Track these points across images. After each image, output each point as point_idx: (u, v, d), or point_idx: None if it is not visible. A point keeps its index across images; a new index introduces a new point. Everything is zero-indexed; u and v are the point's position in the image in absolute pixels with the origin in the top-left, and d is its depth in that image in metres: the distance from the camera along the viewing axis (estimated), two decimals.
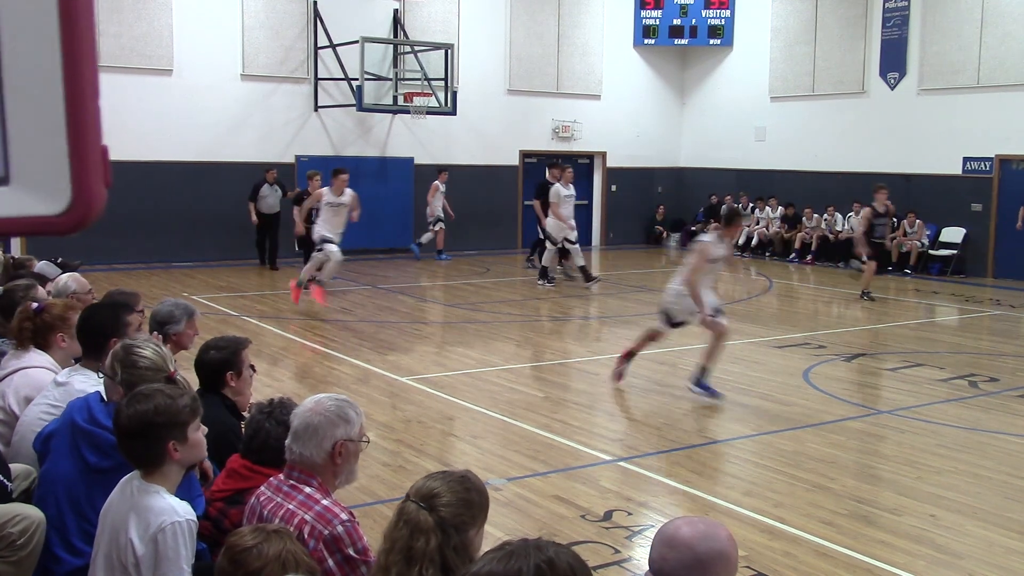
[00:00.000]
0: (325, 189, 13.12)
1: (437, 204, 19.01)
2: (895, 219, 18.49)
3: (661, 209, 23.20)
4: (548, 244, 15.58)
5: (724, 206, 18.43)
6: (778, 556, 5.22)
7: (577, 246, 15.56)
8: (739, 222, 8.97)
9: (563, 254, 16.41)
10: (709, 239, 8.71)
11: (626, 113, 22.56)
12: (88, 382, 4.29)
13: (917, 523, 5.79)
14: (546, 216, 15.85)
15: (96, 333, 4.44)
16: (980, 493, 6.35)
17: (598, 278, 15.45)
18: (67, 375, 4.41)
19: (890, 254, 16.47)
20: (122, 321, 4.49)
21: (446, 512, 2.70)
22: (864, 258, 14.82)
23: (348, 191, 12.97)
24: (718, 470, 6.81)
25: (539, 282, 15.63)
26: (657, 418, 8.12)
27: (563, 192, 15.21)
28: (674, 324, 8.85)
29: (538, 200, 16.52)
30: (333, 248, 12.80)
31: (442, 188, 19.04)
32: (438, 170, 19.31)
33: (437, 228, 19.18)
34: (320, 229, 12.96)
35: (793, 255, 20.07)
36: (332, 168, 13.71)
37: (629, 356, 9.09)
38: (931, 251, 18.20)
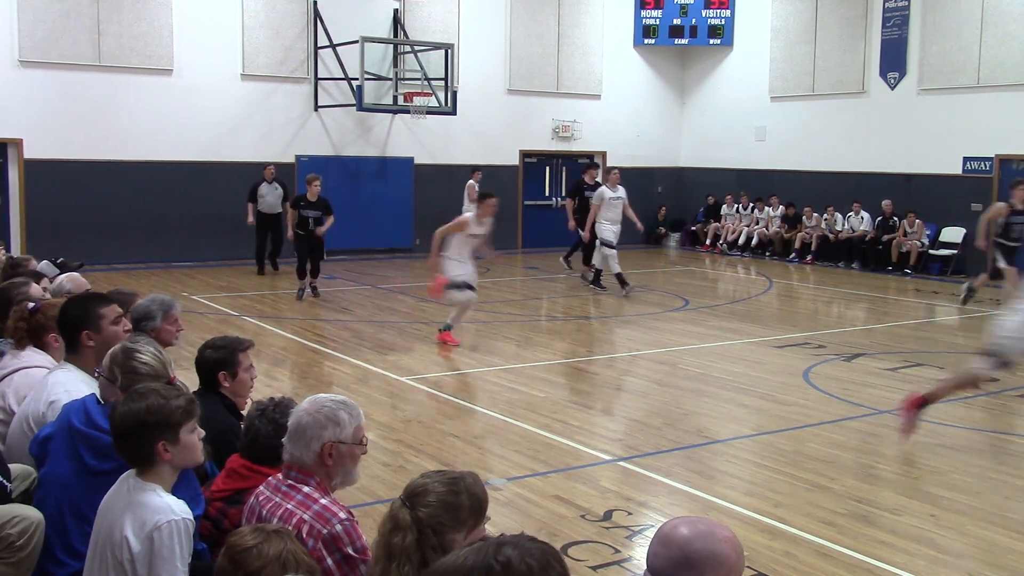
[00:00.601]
0: (470, 217, 11.00)
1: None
2: (895, 218, 18.52)
3: (662, 209, 23.19)
4: (604, 249, 14.91)
5: None
6: (778, 556, 5.22)
7: (614, 251, 15.02)
8: None
9: (576, 249, 16.37)
10: None
11: (626, 113, 22.56)
12: (67, 376, 4.30)
13: (917, 523, 5.78)
14: (575, 215, 15.78)
15: (68, 327, 4.45)
16: (980, 493, 6.35)
17: (605, 288, 15.19)
18: (48, 374, 4.42)
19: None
20: (94, 314, 4.44)
21: (424, 512, 2.71)
22: (1001, 263, 12.85)
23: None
24: (718, 470, 6.81)
25: (621, 291, 14.70)
26: (657, 418, 8.11)
27: (608, 194, 15.10)
28: (1004, 365, 7.06)
29: (571, 199, 16.39)
30: (457, 295, 10.97)
31: (478, 188, 19.08)
32: (472, 169, 19.20)
33: None
34: (454, 269, 10.82)
35: (793, 255, 20.06)
36: (481, 193, 11.55)
37: (924, 404, 7.27)
38: (931, 251, 18.20)
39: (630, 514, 5.84)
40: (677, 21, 22.31)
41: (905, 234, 18.17)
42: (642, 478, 6.57)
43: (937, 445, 7.41)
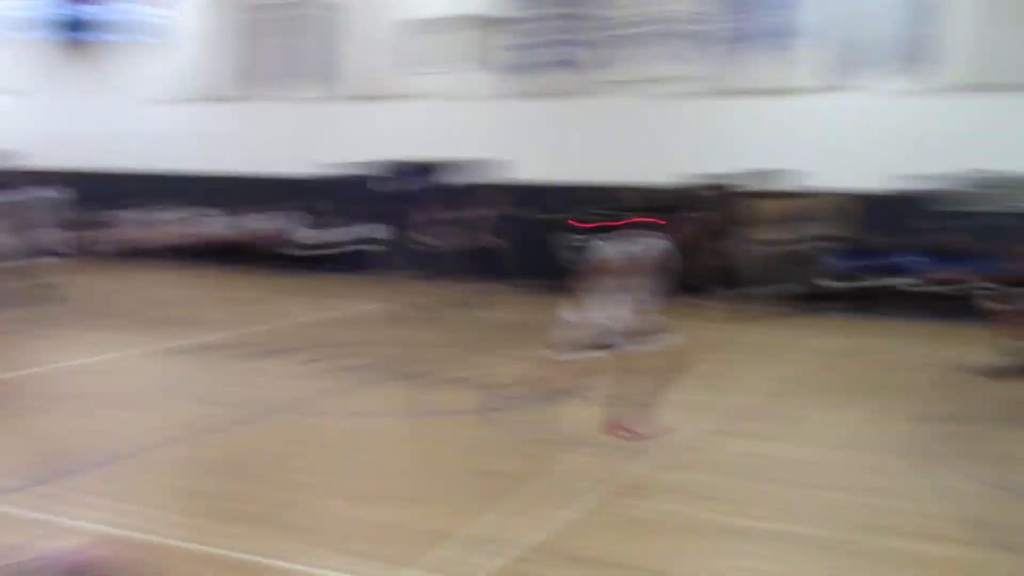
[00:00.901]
0: None
1: None
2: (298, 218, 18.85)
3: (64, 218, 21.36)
4: None
5: None
6: (166, 570, 4.88)
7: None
8: None
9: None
10: None
11: (25, 110, 20.55)
12: None
13: (312, 515, 5.82)
14: None
15: None
16: (376, 476, 6.59)
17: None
18: None
19: None
20: None
21: None
22: None
23: None
24: (102, 493, 6.17)
25: None
26: (37, 445, 7.22)
27: None
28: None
29: None
30: None
31: None
32: None
33: None
34: None
35: (199, 257, 19.51)
36: None
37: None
38: (343, 249, 18.76)
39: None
40: (75, 15, 21.10)
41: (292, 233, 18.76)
42: (13, 517, 5.71)
43: (334, 437, 7.62)
